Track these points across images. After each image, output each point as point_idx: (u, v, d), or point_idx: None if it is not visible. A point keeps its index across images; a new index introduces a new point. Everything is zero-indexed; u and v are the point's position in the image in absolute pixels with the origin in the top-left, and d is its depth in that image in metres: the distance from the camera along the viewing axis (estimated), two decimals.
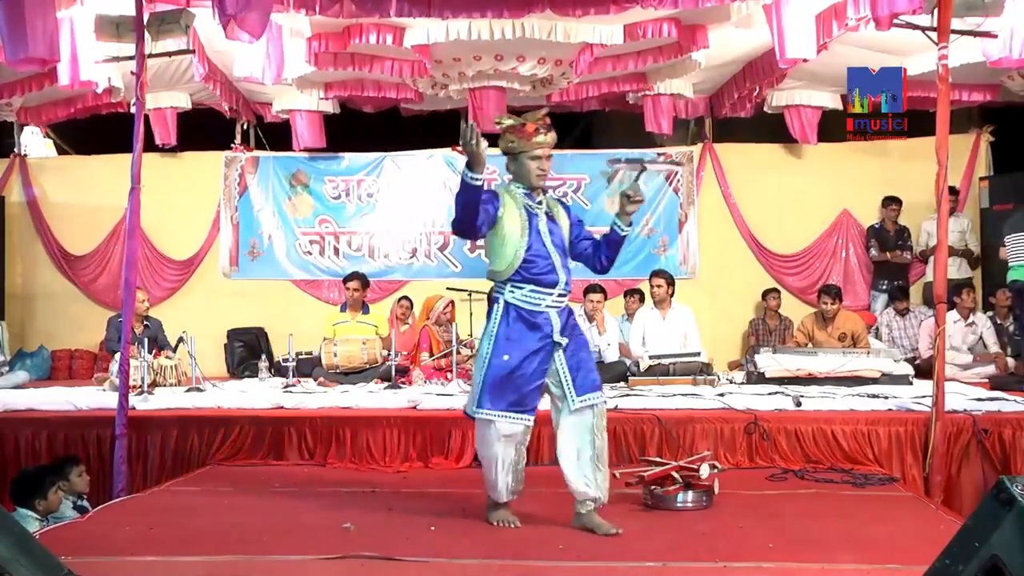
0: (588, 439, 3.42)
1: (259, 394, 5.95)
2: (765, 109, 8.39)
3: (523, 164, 3.48)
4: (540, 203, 3.52)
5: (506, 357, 3.40)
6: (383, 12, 5.92)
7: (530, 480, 3.63)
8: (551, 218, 3.53)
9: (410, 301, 7.59)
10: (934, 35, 4.74)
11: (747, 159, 8.84)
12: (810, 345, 6.91)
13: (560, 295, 3.47)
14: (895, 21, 5.12)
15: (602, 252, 3.54)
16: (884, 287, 8.24)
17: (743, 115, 8.51)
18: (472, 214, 3.32)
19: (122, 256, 8.55)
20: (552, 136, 3.46)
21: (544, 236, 3.46)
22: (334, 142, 8.87)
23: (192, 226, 8.94)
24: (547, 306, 3.44)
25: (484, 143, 3.24)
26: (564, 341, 3.44)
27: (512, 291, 3.45)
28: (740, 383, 6.33)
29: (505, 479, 3.49)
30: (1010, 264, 7.00)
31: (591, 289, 6.95)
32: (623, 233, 3.49)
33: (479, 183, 3.25)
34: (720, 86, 8.31)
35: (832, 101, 8.18)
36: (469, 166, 3.24)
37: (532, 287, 3.43)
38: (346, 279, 7.34)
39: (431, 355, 6.83)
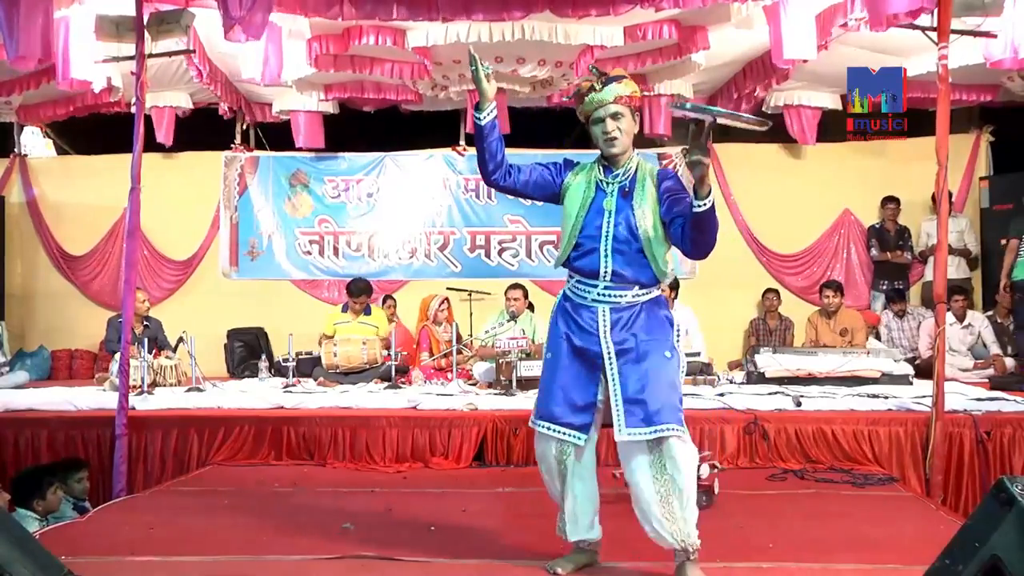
0: (645, 480, 2.77)
1: (259, 394, 5.95)
2: (765, 109, 8.38)
3: (592, 132, 2.94)
4: (617, 177, 2.92)
5: (550, 355, 2.97)
6: (383, 14, 5.93)
7: (531, 479, 3.63)
8: (627, 195, 2.89)
9: (394, 300, 7.59)
10: (934, 35, 4.74)
11: (747, 159, 8.84)
12: (816, 339, 6.91)
13: (607, 288, 2.86)
14: (895, 21, 5.12)
15: (685, 234, 2.78)
16: (884, 287, 8.25)
17: (745, 108, 8.46)
18: (481, 157, 2.93)
19: (120, 256, 8.58)
20: (609, 91, 2.86)
21: (605, 216, 2.88)
22: (334, 142, 8.87)
23: (191, 226, 8.95)
24: (593, 300, 2.88)
25: (487, 70, 2.82)
26: (611, 347, 2.83)
27: (568, 279, 2.99)
28: (740, 383, 6.33)
29: (560, 511, 3.01)
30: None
31: None
32: (698, 207, 2.68)
33: (481, 121, 2.87)
34: (720, 86, 8.31)
35: (832, 101, 8.18)
36: (478, 105, 2.88)
37: (579, 277, 2.93)
38: (354, 294, 7.18)
39: (431, 355, 6.83)
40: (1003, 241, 8.13)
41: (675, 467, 2.72)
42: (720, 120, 2.78)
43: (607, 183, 2.92)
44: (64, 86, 6.64)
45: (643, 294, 2.87)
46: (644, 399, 2.73)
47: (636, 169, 2.93)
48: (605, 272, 2.86)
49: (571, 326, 2.91)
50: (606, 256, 2.85)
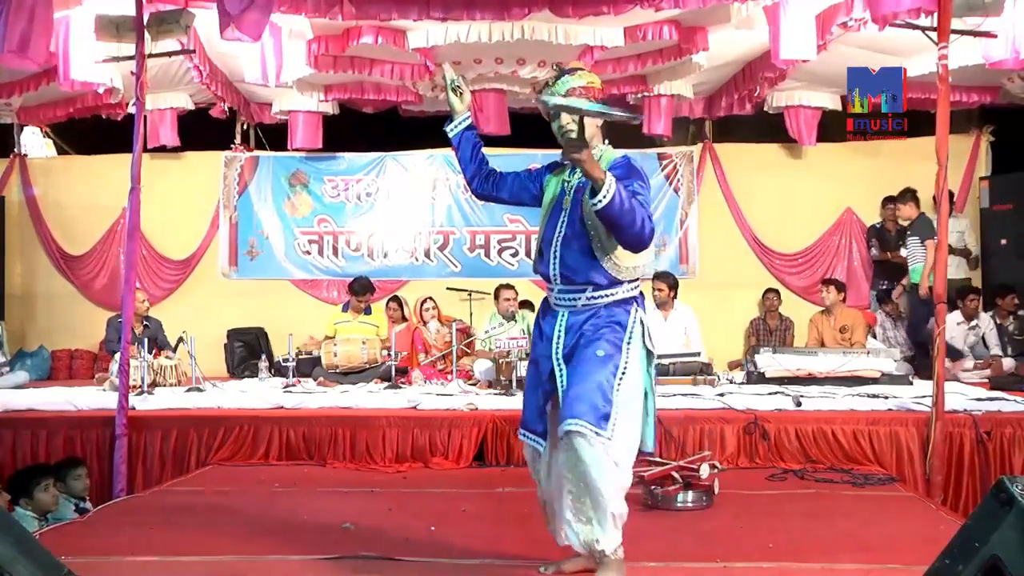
0: (563, 481, 2.71)
1: (259, 394, 5.95)
2: (765, 109, 8.39)
3: (553, 129, 2.86)
4: (574, 173, 2.82)
5: (529, 361, 2.99)
6: (383, 14, 5.93)
7: (531, 480, 3.62)
8: (581, 191, 2.75)
9: (398, 301, 7.60)
10: (934, 35, 4.74)
11: (747, 159, 8.84)
12: (820, 339, 7.02)
13: (561, 291, 2.80)
14: (895, 21, 5.12)
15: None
16: (884, 286, 8.25)
17: (746, 111, 8.44)
18: (461, 167, 3.00)
19: (120, 256, 8.58)
20: (561, 84, 2.77)
21: (560, 216, 2.81)
22: (333, 142, 8.87)
23: (191, 226, 8.94)
24: (555, 304, 2.84)
25: (457, 83, 2.82)
26: (559, 352, 2.76)
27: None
28: (740, 383, 6.33)
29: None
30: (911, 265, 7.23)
31: None
32: (594, 205, 2.53)
33: (449, 135, 2.96)
34: (720, 86, 8.31)
35: (832, 102, 8.18)
36: (448, 117, 2.95)
37: (548, 283, 2.88)
38: (358, 292, 7.20)
39: (427, 356, 6.84)
40: (1004, 241, 8.18)
41: (584, 467, 2.61)
42: (591, 115, 2.70)
43: (567, 182, 2.86)
44: (65, 87, 6.64)
45: (601, 296, 2.75)
46: (568, 396, 2.67)
47: (599, 163, 2.76)
48: (555, 275, 2.80)
49: (537, 332, 2.91)
50: (555, 258, 2.79)
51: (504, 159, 7.86)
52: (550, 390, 2.79)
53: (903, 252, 7.61)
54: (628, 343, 2.74)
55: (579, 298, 2.77)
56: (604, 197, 2.50)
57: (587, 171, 2.52)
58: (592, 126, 2.79)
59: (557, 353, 2.77)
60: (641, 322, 2.78)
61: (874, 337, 7.66)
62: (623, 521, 2.71)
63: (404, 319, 7.44)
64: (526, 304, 7.16)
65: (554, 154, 2.91)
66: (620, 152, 2.88)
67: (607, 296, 2.76)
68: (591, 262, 2.73)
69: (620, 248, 2.69)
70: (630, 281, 2.78)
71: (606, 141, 2.88)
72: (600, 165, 2.57)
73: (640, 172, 2.76)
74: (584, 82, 2.79)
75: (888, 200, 8.32)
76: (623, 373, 2.70)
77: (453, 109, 2.91)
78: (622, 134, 9.46)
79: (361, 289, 7.17)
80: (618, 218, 2.54)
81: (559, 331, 2.79)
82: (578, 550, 2.77)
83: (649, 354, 2.85)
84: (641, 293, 2.87)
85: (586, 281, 2.75)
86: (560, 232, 2.79)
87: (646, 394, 2.84)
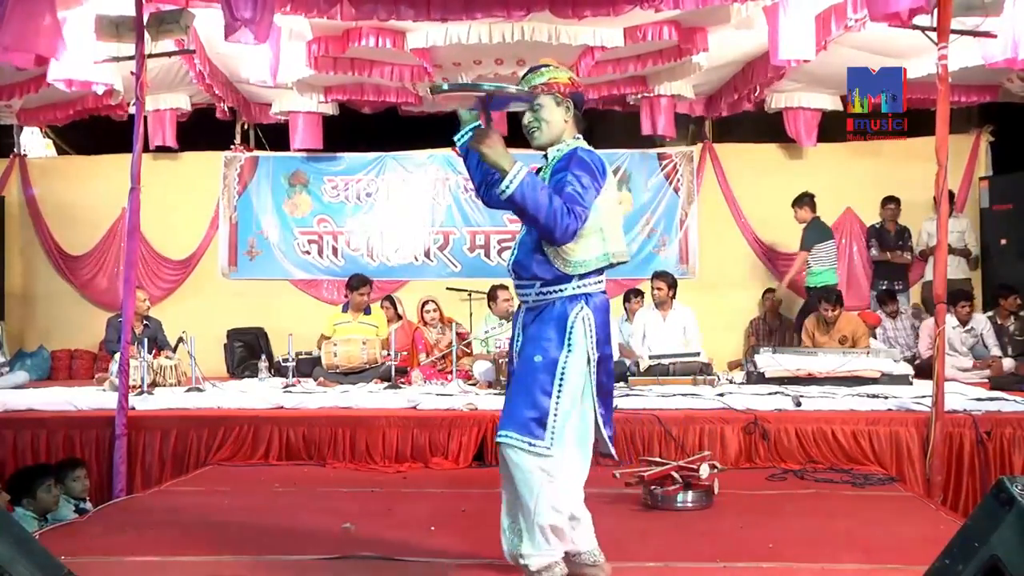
0: (502, 489, 2.71)
1: (259, 394, 5.95)
2: (765, 109, 8.39)
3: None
4: (541, 171, 2.77)
5: None
6: (382, 14, 5.93)
7: None
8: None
9: (391, 300, 7.60)
10: (934, 35, 4.74)
11: (747, 159, 8.85)
12: (811, 346, 6.92)
13: (517, 286, 2.77)
14: (895, 20, 5.12)
15: None
16: (884, 287, 8.26)
17: (745, 110, 8.43)
18: (469, 175, 2.98)
19: (119, 256, 8.58)
20: (525, 82, 2.78)
21: None
22: (333, 142, 8.87)
23: (191, 226, 8.95)
24: (521, 302, 2.80)
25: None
26: (516, 351, 2.77)
27: None
28: (740, 383, 6.33)
29: None
30: (814, 268, 7.53)
31: None
32: (500, 193, 2.53)
33: (457, 142, 2.94)
34: (720, 86, 8.31)
35: (831, 103, 8.19)
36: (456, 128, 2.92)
37: None
38: (356, 286, 7.18)
39: (427, 356, 6.84)
40: (1004, 241, 8.18)
41: (514, 479, 2.58)
42: (488, 93, 2.62)
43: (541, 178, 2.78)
44: (67, 87, 6.63)
45: (549, 293, 2.67)
46: (504, 405, 2.66)
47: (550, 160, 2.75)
48: (510, 269, 2.78)
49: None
50: (512, 253, 2.77)
51: None
52: None
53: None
54: (568, 346, 2.61)
55: (530, 294, 2.72)
56: (507, 187, 2.47)
57: (491, 161, 2.51)
58: (559, 120, 2.73)
59: (515, 352, 2.79)
60: (584, 321, 2.64)
61: (874, 337, 7.66)
62: (560, 536, 2.61)
63: (399, 317, 7.44)
64: None
65: None
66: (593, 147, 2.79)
67: (554, 293, 2.66)
68: (537, 256, 2.65)
69: (574, 243, 2.61)
70: (580, 277, 2.65)
71: (576, 137, 2.78)
72: (509, 156, 2.50)
73: (583, 163, 2.61)
74: (547, 78, 2.74)
75: (888, 200, 8.33)
76: (560, 380, 2.60)
77: (461, 119, 2.87)
78: (623, 133, 9.54)
79: (358, 283, 7.19)
80: (523, 209, 2.49)
81: (518, 330, 2.79)
82: (507, 560, 2.72)
83: (601, 356, 2.68)
84: (600, 293, 2.72)
85: (532, 276, 2.68)
86: (521, 227, 2.77)
87: (591, 397, 2.67)
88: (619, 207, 2.87)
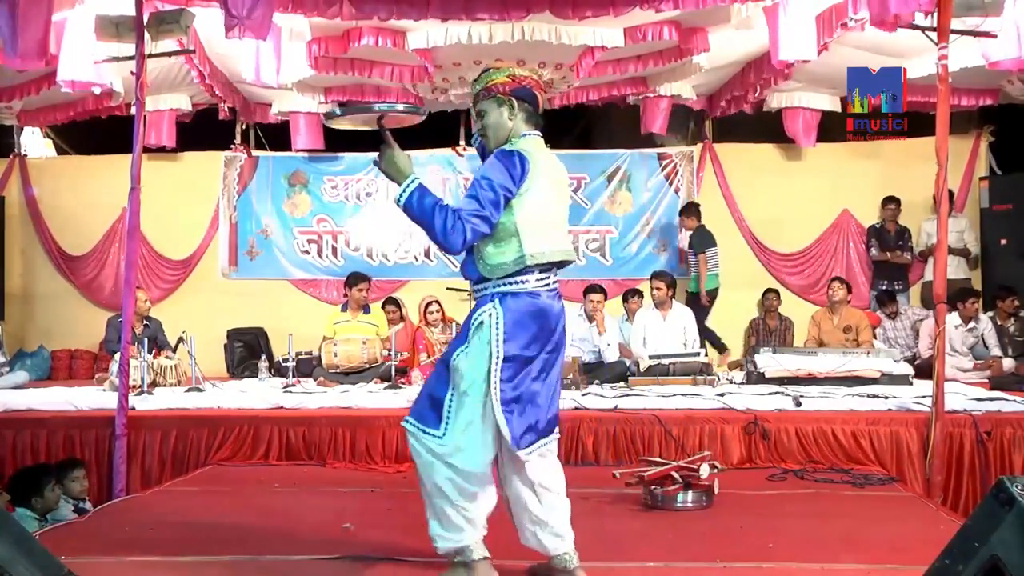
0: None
1: (259, 394, 5.95)
2: (765, 110, 8.39)
3: None
4: None
5: None
6: (382, 14, 5.93)
7: None
8: None
9: (396, 303, 7.61)
10: (934, 35, 4.74)
11: (747, 159, 8.84)
12: (819, 336, 7.03)
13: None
14: (896, 22, 5.11)
15: None
16: (884, 287, 8.26)
17: (745, 109, 8.42)
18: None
19: (119, 256, 8.58)
20: (472, 92, 2.86)
21: None
22: (333, 142, 8.87)
23: (191, 226, 8.94)
24: None
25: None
26: None
27: None
28: (740, 383, 6.33)
29: None
30: (706, 274, 7.86)
31: (591, 289, 6.96)
32: (397, 203, 2.67)
33: (400, 201, 2.83)
34: (720, 87, 8.30)
35: (831, 104, 8.18)
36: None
37: None
38: (353, 283, 7.20)
39: (428, 356, 6.84)
40: (1004, 241, 8.19)
41: (417, 464, 2.72)
42: (378, 114, 2.75)
43: None
44: (69, 87, 6.63)
45: (478, 291, 2.74)
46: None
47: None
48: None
49: None
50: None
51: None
52: None
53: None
54: (467, 343, 2.66)
55: (471, 291, 2.82)
56: (398, 199, 2.64)
57: (390, 176, 2.69)
58: (503, 121, 2.72)
59: None
60: (491, 318, 2.63)
61: (874, 338, 7.67)
62: (465, 522, 2.68)
63: (402, 319, 7.44)
64: None
65: (555, 153, 2.86)
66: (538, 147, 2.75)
67: (480, 292, 2.73)
68: (469, 257, 2.74)
69: (485, 246, 2.66)
70: (500, 278, 2.66)
71: (525, 134, 2.74)
72: (404, 171, 2.66)
73: (493, 166, 2.63)
74: (484, 83, 2.77)
75: (888, 200, 8.34)
76: (457, 374, 2.66)
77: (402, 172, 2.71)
78: (623, 133, 9.55)
79: (355, 279, 7.20)
80: (416, 221, 2.62)
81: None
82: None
83: (521, 356, 2.63)
84: (527, 294, 2.66)
85: (466, 276, 2.79)
86: None
87: (496, 390, 2.61)
88: (558, 205, 2.76)
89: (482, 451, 2.67)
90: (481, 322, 2.66)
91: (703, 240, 8.00)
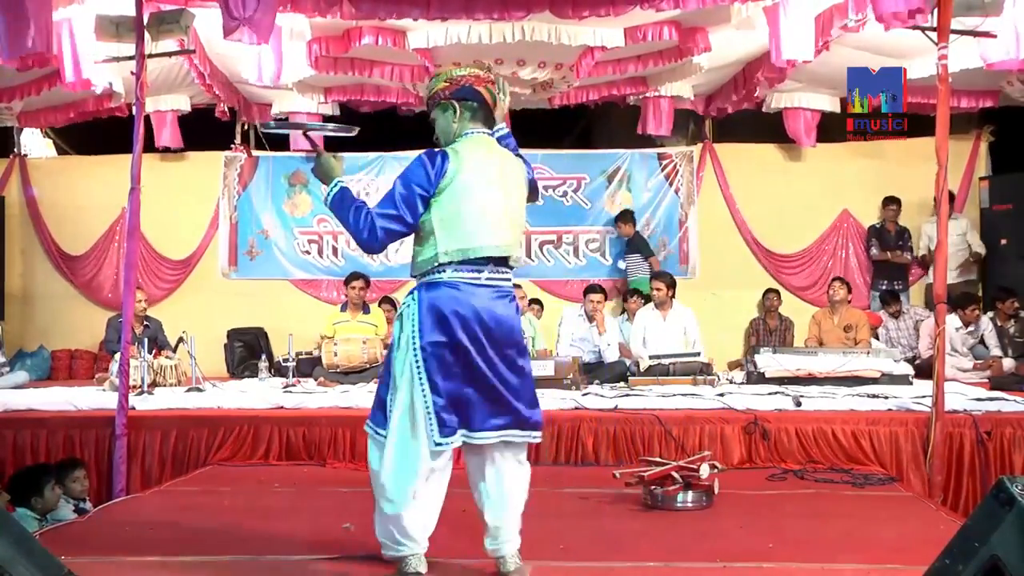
0: None
1: (259, 394, 5.95)
2: (765, 110, 8.39)
3: None
4: None
5: None
6: (383, 13, 5.93)
7: (535, 480, 3.62)
8: None
9: (391, 303, 7.60)
10: (934, 35, 4.74)
11: (747, 159, 8.85)
12: (819, 336, 7.08)
13: None
14: (895, 21, 5.11)
15: None
16: (884, 287, 8.27)
17: (745, 109, 8.43)
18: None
19: (119, 256, 8.58)
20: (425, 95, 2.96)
21: None
22: (333, 142, 8.85)
23: (191, 226, 8.95)
24: None
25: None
26: None
27: None
28: (740, 383, 6.33)
29: None
30: (631, 277, 8.28)
31: (591, 289, 6.97)
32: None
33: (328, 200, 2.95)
34: (720, 87, 8.30)
35: (831, 104, 8.18)
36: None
37: None
38: (349, 280, 7.30)
39: None
40: (1004, 241, 8.19)
41: (370, 465, 2.85)
42: (310, 131, 2.94)
43: None
44: (71, 88, 6.63)
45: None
46: None
47: None
48: None
49: None
50: None
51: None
52: None
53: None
54: (398, 336, 2.73)
55: None
56: (325, 200, 2.80)
57: (320, 180, 2.82)
58: (447, 125, 2.81)
59: None
60: (408, 310, 2.71)
61: (876, 338, 7.68)
62: (398, 525, 2.78)
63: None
64: (535, 302, 7.19)
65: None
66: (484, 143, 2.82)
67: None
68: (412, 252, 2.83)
69: (414, 245, 2.77)
70: (425, 274, 2.72)
71: (474, 131, 2.81)
72: (331, 177, 2.76)
73: (411, 167, 2.69)
74: (427, 91, 2.89)
75: (889, 200, 8.34)
76: (392, 370, 2.75)
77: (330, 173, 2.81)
78: (623, 133, 9.55)
79: (350, 276, 7.25)
80: (339, 220, 2.76)
81: None
82: None
83: (440, 343, 2.66)
84: (448, 285, 2.68)
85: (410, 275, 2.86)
86: None
87: (422, 386, 2.66)
88: (495, 200, 2.72)
89: (418, 450, 2.73)
90: (401, 315, 2.74)
91: (645, 247, 8.40)
